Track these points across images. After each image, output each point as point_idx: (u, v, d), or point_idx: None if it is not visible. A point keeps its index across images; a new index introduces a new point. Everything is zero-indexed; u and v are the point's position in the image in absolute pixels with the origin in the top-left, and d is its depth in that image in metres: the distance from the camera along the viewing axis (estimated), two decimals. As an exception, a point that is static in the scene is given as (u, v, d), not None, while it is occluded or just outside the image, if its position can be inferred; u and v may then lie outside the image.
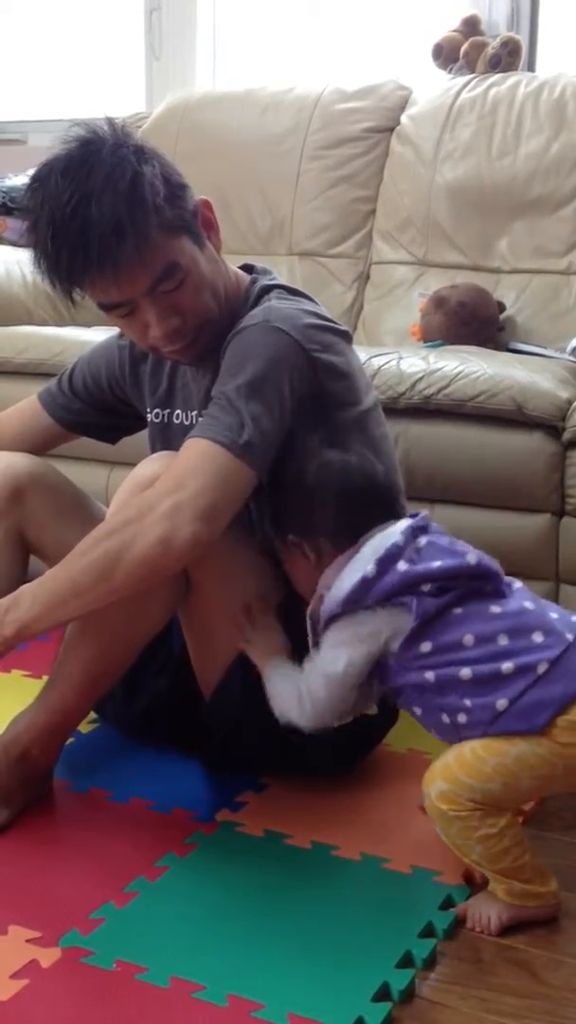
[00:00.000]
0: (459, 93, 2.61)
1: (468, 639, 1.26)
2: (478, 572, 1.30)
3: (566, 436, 1.82)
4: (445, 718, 1.28)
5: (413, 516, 1.38)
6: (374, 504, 1.39)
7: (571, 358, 2.09)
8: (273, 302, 1.47)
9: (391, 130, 2.69)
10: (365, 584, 1.28)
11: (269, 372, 1.39)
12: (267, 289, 1.52)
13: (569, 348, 2.07)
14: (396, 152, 2.66)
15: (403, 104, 2.70)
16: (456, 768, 1.25)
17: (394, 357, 1.98)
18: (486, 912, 1.27)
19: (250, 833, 1.46)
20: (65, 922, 1.25)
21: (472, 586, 1.30)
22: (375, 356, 1.98)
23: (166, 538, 1.32)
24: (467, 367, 1.91)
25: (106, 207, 1.33)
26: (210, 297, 1.46)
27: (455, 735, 1.28)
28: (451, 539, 1.36)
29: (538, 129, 2.47)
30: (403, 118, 2.68)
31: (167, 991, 1.14)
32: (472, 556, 1.31)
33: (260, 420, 1.36)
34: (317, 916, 1.28)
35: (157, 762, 1.64)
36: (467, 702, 1.26)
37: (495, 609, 1.28)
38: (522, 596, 1.32)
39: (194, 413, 1.58)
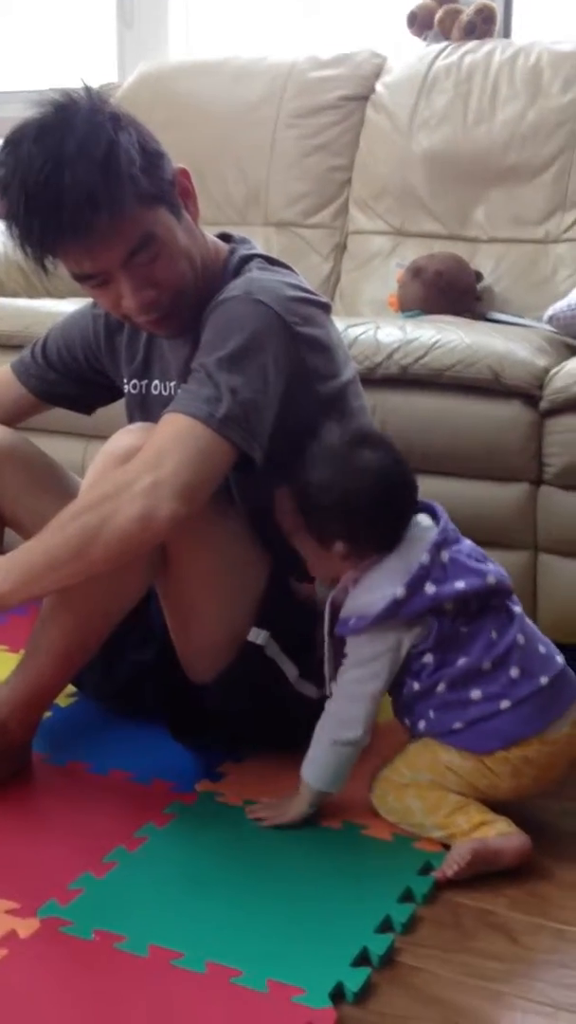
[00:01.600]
0: (434, 61, 2.58)
1: (461, 661, 1.35)
2: (495, 590, 1.38)
3: (543, 405, 1.82)
4: (407, 719, 1.41)
5: (427, 507, 1.44)
6: (408, 506, 1.43)
7: (548, 327, 2.08)
8: (254, 273, 1.46)
9: (366, 98, 2.65)
10: (396, 605, 1.34)
11: (250, 345, 1.37)
12: (247, 259, 1.50)
13: (546, 317, 2.06)
14: (371, 120, 2.64)
15: (378, 72, 2.67)
16: (396, 759, 1.40)
17: (371, 327, 1.97)
18: (450, 858, 1.30)
19: (229, 803, 1.46)
20: (43, 892, 1.25)
21: (487, 603, 1.38)
22: (352, 326, 1.97)
23: (144, 515, 1.31)
24: (444, 336, 1.90)
25: (80, 175, 1.30)
26: (187, 268, 1.44)
27: (411, 730, 1.41)
28: (469, 546, 1.41)
29: (514, 96, 2.45)
30: (378, 86, 2.65)
31: (146, 960, 1.14)
32: (492, 576, 1.38)
33: (239, 392, 1.35)
34: (296, 883, 1.29)
35: (136, 734, 1.63)
36: (431, 713, 1.38)
37: (493, 635, 1.37)
38: (519, 625, 1.39)
39: (172, 384, 1.57)
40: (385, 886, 1.27)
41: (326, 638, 1.40)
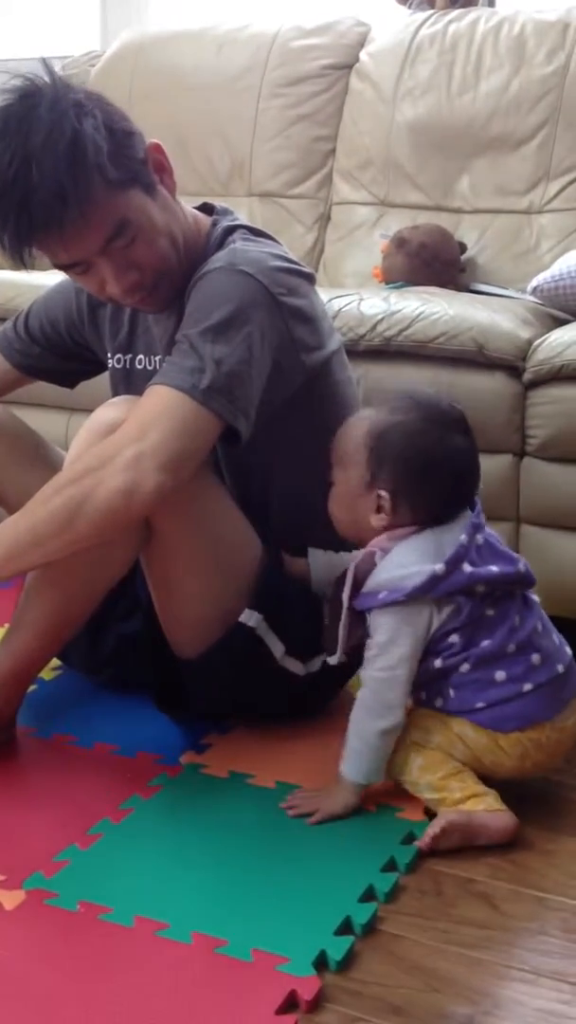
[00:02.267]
0: (418, 29, 2.56)
1: (486, 643, 1.36)
2: (522, 580, 1.40)
3: (527, 376, 1.82)
4: (423, 694, 1.40)
5: None
6: (468, 499, 1.42)
7: (532, 298, 2.08)
8: (238, 244, 1.45)
9: (350, 67, 2.64)
10: (434, 581, 1.34)
11: (235, 316, 1.37)
12: (230, 230, 1.49)
13: (530, 288, 2.06)
14: (355, 90, 2.62)
15: (362, 41, 2.65)
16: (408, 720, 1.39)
17: (354, 299, 1.96)
18: (430, 828, 1.31)
19: (215, 774, 1.46)
20: (29, 865, 1.25)
21: (511, 590, 1.39)
22: (336, 298, 1.96)
23: (129, 488, 1.30)
24: (428, 308, 1.89)
25: (47, 171, 1.29)
26: (167, 246, 1.43)
27: (424, 704, 1.41)
28: (495, 535, 1.43)
29: (498, 66, 2.44)
30: (362, 55, 2.63)
31: (131, 930, 1.15)
32: (521, 564, 1.41)
33: (224, 363, 1.34)
34: (280, 854, 1.30)
35: (121, 707, 1.64)
36: (452, 691, 1.37)
37: (516, 620, 1.38)
38: (537, 614, 1.41)
39: (157, 358, 1.56)
40: (368, 856, 1.29)
41: (344, 606, 1.38)
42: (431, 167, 2.50)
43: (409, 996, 1.08)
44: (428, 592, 1.34)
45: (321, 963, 1.11)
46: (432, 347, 1.86)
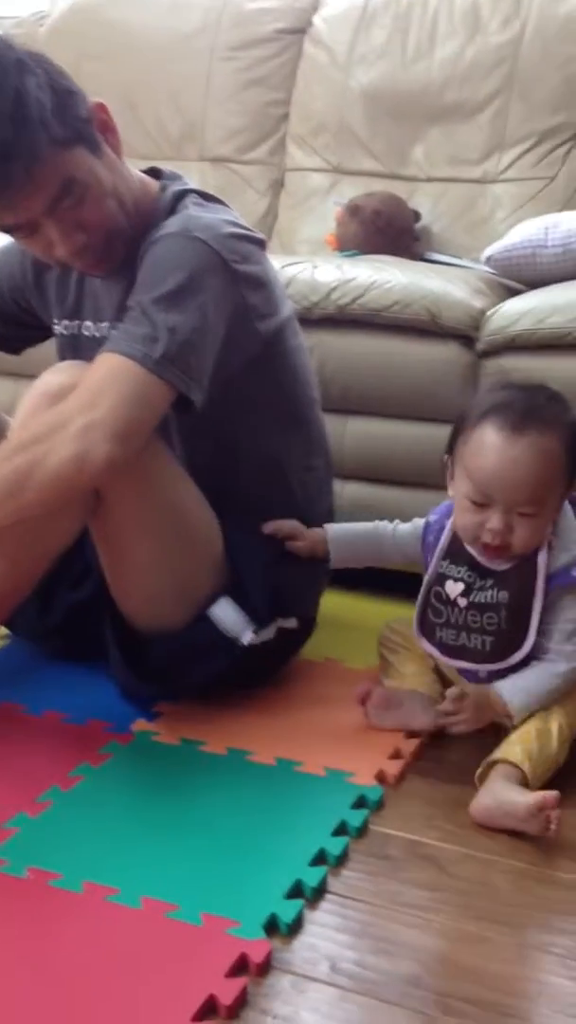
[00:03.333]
0: (373, -6, 2.54)
1: None
2: None
3: (480, 346, 1.82)
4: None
5: None
6: None
7: (486, 268, 2.08)
8: (191, 210, 1.43)
9: (303, 32, 2.61)
10: None
11: (189, 283, 1.35)
12: (181, 195, 1.47)
13: (484, 258, 2.06)
14: (309, 54, 2.59)
15: (315, 5, 2.62)
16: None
17: (308, 266, 1.96)
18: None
19: (166, 742, 1.46)
20: (-23, 833, 1.25)
21: None
22: (289, 265, 1.95)
23: (79, 458, 1.29)
24: (381, 277, 1.89)
25: None
26: (115, 207, 1.40)
27: None
28: None
29: (452, 33, 2.43)
30: (315, 19, 2.60)
31: (81, 896, 1.15)
32: None
33: (178, 331, 1.33)
34: (232, 819, 1.30)
35: (71, 675, 1.63)
36: None
37: None
38: None
39: (105, 325, 1.54)
40: (319, 820, 1.29)
41: (539, 595, 1.39)
42: (385, 134, 2.49)
43: (358, 958, 1.09)
44: None
45: (271, 926, 1.12)
46: (385, 316, 1.86)
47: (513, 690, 1.39)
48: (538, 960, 1.09)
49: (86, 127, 1.36)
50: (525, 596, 1.40)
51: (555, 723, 1.37)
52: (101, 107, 1.40)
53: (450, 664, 1.48)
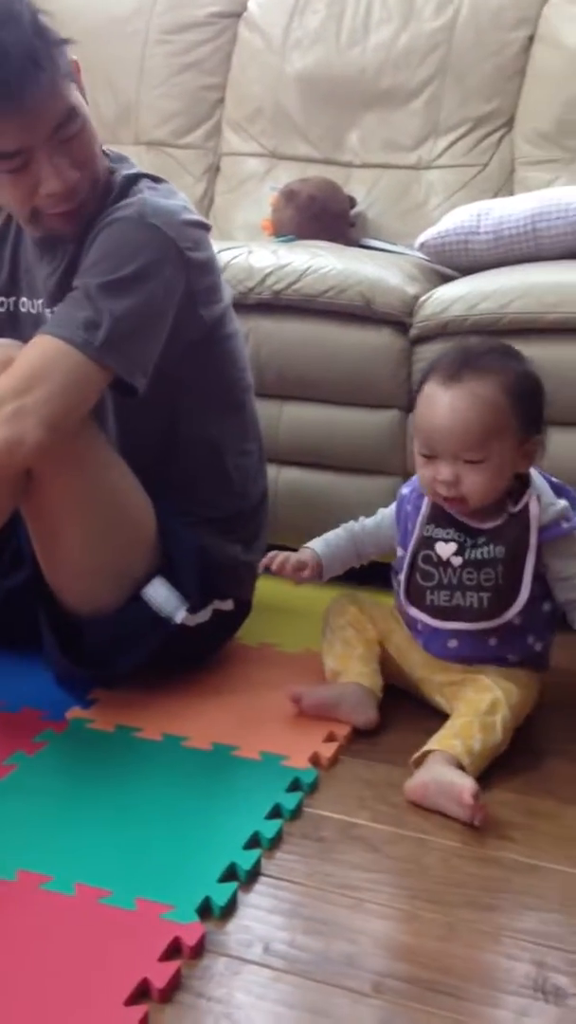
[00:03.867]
0: (307, -22, 2.53)
1: None
2: None
3: (413, 332, 1.84)
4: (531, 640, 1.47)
5: None
6: None
7: (420, 254, 2.09)
8: (145, 194, 1.42)
9: (239, 15, 2.60)
10: None
11: (141, 271, 1.35)
12: (135, 179, 1.46)
13: (417, 244, 2.07)
14: (244, 39, 2.58)
15: (250, -12, 2.62)
16: None
17: (244, 251, 1.95)
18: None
19: (101, 729, 1.46)
20: None
21: None
22: (225, 250, 1.94)
23: (9, 443, 1.28)
24: (317, 262, 1.89)
25: (17, 36, 1.28)
26: (99, 154, 1.42)
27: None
28: None
29: (387, 18, 2.43)
30: (250, 3, 2.59)
31: (14, 884, 1.14)
32: None
33: (123, 319, 1.32)
34: (167, 805, 1.30)
35: (4, 663, 1.61)
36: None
37: None
38: None
39: (40, 301, 1.53)
40: (254, 804, 1.30)
41: (532, 547, 1.41)
42: (321, 120, 2.49)
43: (292, 939, 1.10)
44: None
45: (205, 910, 1.12)
46: (321, 301, 1.86)
47: None
48: (469, 937, 1.11)
49: (74, 75, 1.38)
50: (520, 549, 1.42)
51: (500, 715, 1.38)
52: (77, 66, 1.41)
53: (443, 627, 1.46)
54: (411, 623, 1.51)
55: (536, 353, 1.47)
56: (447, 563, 1.45)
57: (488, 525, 1.43)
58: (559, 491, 1.48)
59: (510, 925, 1.12)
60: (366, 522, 1.60)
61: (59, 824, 1.26)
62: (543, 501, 1.43)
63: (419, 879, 1.19)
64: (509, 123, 2.36)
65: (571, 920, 1.13)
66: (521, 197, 2.03)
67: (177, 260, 1.39)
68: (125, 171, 1.47)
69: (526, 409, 1.40)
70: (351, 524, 1.60)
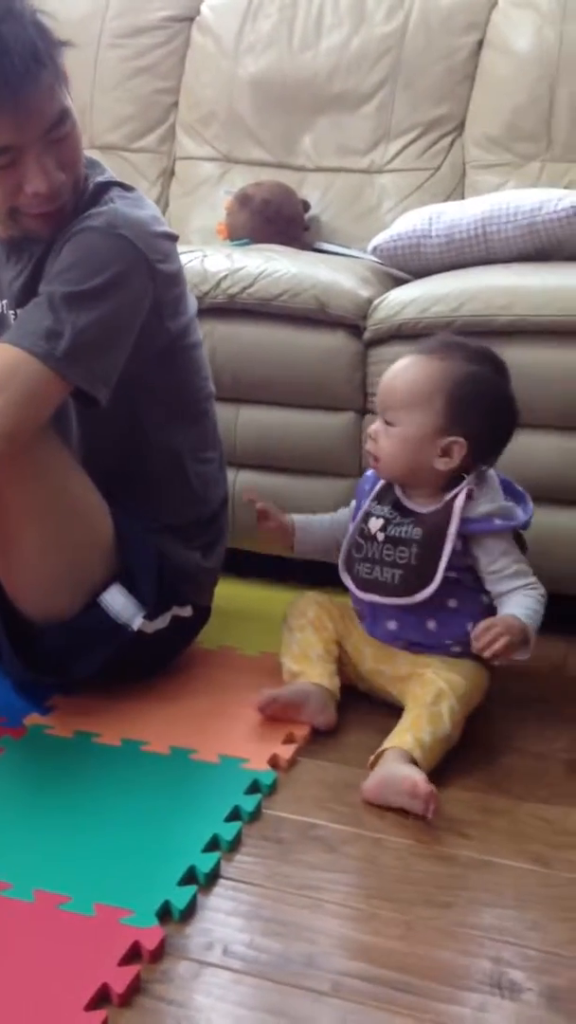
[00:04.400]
0: (259, -18, 2.54)
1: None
2: None
3: (367, 335, 1.85)
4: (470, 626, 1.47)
5: None
6: None
7: (373, 258, 2.11)
8: (116, 203, 1.42)
9: (191, 20, 2.60)
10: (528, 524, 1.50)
11: (108, 284, 1.35)
12: (106, 187, 1.46)
13: (370, 248, 2.09)
14: (197, 43, 2.58)
15: (203, -8, 2.62)
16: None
17: (198, 255, 1.96)
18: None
19: (59, 735, 1.46)
20: None
21: None
22: (180, 254, 1.94)
23: None
24: (271, 266, 1.90)
25: (18, 32, 1.29)
26: (83, 159, 1.42)
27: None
28: None
29: (338, 23, 2.44)
30: (203, 8, 2.60)
31: (-27, 892, 1.14)
32: None
33: (87, 331, 1.32)
34: (125, 810, 1.30)
35: (-38, 671, 1.61)
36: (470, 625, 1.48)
37: None
38: None
39: (4, 303, 1.52)
40: (213, 807, 1.30)
41: (450, 538, 1.44)
42: (274, 124, 2.50)
43: (251, 941, 1.11)
44: (527, 527, 1.51)
45: (165, 913, 1.13)
46: (275, 305, 1.87)
47: (524, 617, 1.45)
48: (426, 935, 1.12)
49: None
50: (437, 537, 1.46)
51: (446, 704, 1.41)
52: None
53: (364, 598, 1.52)
54: (359, 612, 1.57)
55: (487, 356, 1.50)
56: (373, 537, 1.51)
57: (421, 509, 1.49)
58: (513, 494, 1.51)
59: (466, 921, 1.14)
60: (341, 510, 1.67)
61: (17, 831, 1.26)
62: (481, 498, 1.46)
63: (376, 878, 1.21)
64: (460, 127, 2.39)
65: (525, 916, 1.15)
66: (472, 201, 2.06)
67: (145, 272, 1.39)
68: (97, 177, 1.47)
69: (458, 406, 1.45)
70: (339, 511, 1.67)
